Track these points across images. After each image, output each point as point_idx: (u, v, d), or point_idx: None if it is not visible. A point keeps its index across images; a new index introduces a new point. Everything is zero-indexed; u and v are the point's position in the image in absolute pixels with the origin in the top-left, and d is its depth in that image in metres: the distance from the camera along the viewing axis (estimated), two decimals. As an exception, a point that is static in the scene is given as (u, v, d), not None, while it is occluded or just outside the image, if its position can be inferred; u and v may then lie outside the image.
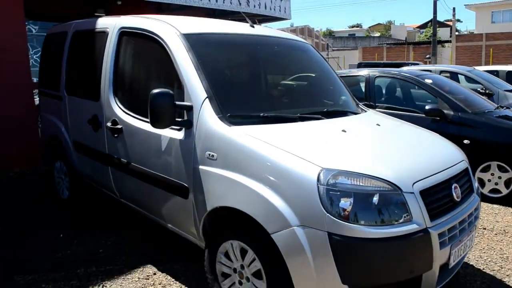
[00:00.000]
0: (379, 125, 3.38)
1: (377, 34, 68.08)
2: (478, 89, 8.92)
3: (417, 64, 20.12)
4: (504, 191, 5.49)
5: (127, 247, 4.00)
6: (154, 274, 3.50)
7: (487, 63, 35.15)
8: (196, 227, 3.03)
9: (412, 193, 2.49)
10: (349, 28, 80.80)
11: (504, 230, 4.66)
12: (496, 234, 4.56)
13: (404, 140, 3.23)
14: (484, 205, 5.42)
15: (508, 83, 10.42)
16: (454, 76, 10.24)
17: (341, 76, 7.26)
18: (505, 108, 6.50)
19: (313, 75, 4.10)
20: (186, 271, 3.54)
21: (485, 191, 5.60)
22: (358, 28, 76.96)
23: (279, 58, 3.82)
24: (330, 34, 71.65)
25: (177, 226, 3.31)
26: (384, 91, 6.82)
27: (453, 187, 2.79)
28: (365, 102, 6.41)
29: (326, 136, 2.91)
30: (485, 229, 4.70)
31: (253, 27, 3.84)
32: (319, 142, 2.76)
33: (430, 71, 9.74)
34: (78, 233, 4.32)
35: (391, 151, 2.86)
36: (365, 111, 3.94)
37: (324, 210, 2.35)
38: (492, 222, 4.88)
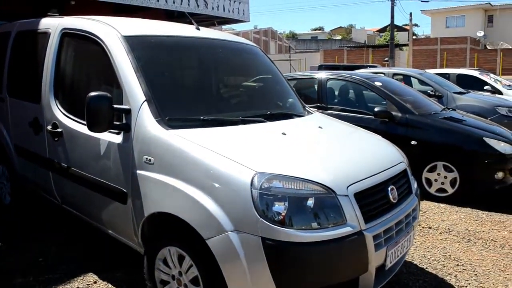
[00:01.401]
0: (321, 127, 3.39)
1: (339, 37, 69.25)
2: (429, 91, 9.15)
3: (375, 66, 20.50)
4: (450, 190, 5.63)
5: (69, 255, 3.84)
6: (95, 282, 3.36)
7: (442, 66, 36.32)
8: (135, 233, 2.94)
9: (347, 196, 2.48)
10: (312, 31, 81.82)
11: (448, 228, 4.76)
12: (440, 233, 4.65)
13: (343, 142, 3.24)
14: (430, 204, 5.54)
15: (458, 85, 10.75)
16: (406, 78, 10.47)
17: (295, 79, 7.37)
18: (451, 110, 6.68)
19: (260, 77, 4.07)
20: (128, 279, 3.42)
21: (432, 190, 5.72)
22: (320, 31, 78.03)
23: (224, 61, 3.77)
24: (293, 36, 72.37)
25: (117, 232, 3.20)
26: (336, 94, 6.89)
27: (389, 189, 2.80)
28: (318, 104, 6.45)
29: (264, 139, 2.88)
30: (430, 228, 4.79)
31: (198, 29, 3.77)
32: (256, 146, 2.73)
33: (383, 73, 9.93)
34: (18, 241, 4.12)
35: (328, 154, 2.85)
36: (311, 113, 3.94)
37: (257, 215, 2.31)
38: (438, 221, 4.98)
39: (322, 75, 6.81)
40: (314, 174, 2.49)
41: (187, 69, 3.52)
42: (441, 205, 5.54)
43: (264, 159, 2.54)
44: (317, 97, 6.63)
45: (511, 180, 5.71)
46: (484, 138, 5.52)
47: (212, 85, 3.57)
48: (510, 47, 41.00)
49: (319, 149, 2.93)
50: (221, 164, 2.47)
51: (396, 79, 10.06)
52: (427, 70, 12.37)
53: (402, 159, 3.27)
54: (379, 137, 3.66)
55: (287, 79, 7.09)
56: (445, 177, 5.63)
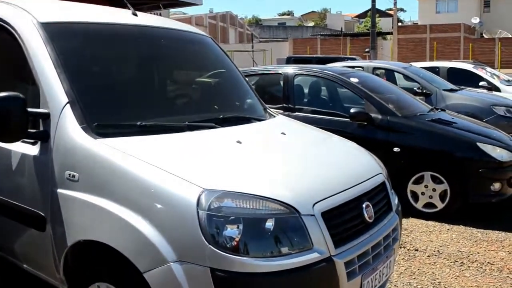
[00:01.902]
0: (284, 133, 3.44)
1: (311, 24, 70.34)
2: (415, 88, 9.42)
3: (354, 59, 20.96)
4: (439, 205, 5.81)
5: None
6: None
7: (431, 58, 37.44)
8: (57, 267, 2.89)
9: (313, 215, 2.52)
10: (279, 16, 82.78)
11: (438, 250, 4.91)
12: (429, 256, 4.79)
13: (310, 152, 3.30)
14: (417, 222, 5.70)
15: (450, 81, 11.11)
16: (389, 74, 10.76)
17: (257, 74, 7.44)
18: (440, 110, 6.90)
19: (211, 74, 4.09)
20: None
21: (419, 205, 5.89)
22: (289, 17, 79.05)
23: (166, 54, 3.78)
24: (256, 22, 73.01)
25: (34, 266, 3.14)
26: (305, 92, 7.00)
27: (364, 206, 2.87)
28: (283, 105, 6.54)
29: (215, 149, 2.90)
30: (417, 250, 4.92)
31: (135, 15, 3.76)
32: (205, 157, 2.74)
33: (361, 68, 10.16)
34: None
35: (291, 166, 2.90)
36: (274, 117, 3.99)
37: (205, 241, 2.32)
38: (426, 242, 5.13)
39: (288, 70, 6.91)
40: (274, 191, 2.51)
41: (121, 64, 3.50)
42: (430, 222, 5.70)
43: (213, 174, 2.55)
44: (282, 97, 6.72)
45: (510, 192, 5.94)
46: (478, 143, 5.74)
47: (151, 83, 3.56)
48: (510, 36, 42.79)
49: (281, 160, 2.97)
50: (161, 180, 2.46)
51: (377, 74, 10.33)
52: (413, 63, 12.75)
53: (379, 170, 3.35)
54: (354, 144, 3.74)
55: (246, 75, 7.22)
56: (434, 189, 5.81)
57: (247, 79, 7.40)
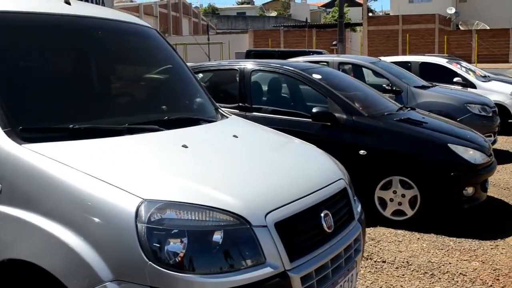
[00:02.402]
0: (236, 136, 3.46)
1: (273, 14, 70.74)
2: (384, 85, 9.60)
3: (320, 52, 21.21)
4: (409, 213, 5.93)
5: None
6: None
7: (404, 52, 38.20)
8: (-23, 291, 2.82)
9: (265, 226, 2.55)
10: (238, 5, 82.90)
11: (407, 261, 5.01)
12: (397, 267, 4.89)
13: (264, 156, 3.33)
14: (385, 231, 5.80)
15: (422, 77, 11.37)
16: (357, 69, 10.94)
17: (210, 70, 7.45)
18: (409, 109, 7.05)
19: (156, 70, 4.09)
20: None
21: (387, 213, 6.00)
22: (249, 6, 79.28)
23: (105, 48, 3.75)
24: (213, 12, 72.92)
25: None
26: (264, 90, 7.04)
27: (323, 215, 2.91)
28: (239, 104, 6.56)
29: (158, 154, 2.90)
30: (384, 262, 5.02)
31: (68, 3, 3.71)
32: (145, 164, 2.74)
33: (326, 63, 10.29)
34: None
35: (242, 172, 2.92)
36: (226, 117, 4.02)
37: (145, 257, 2.31)
38: (394, 253, 5.23)
39: (245, 65, 6.94)
40: (222, 200, 2.53)
41: (51, 59, 3.44)
42: (399, 231, 5.82)
43: (154, 182, 2.55)
44: (238, 95, 6.74)
45: (483, 197, 6.12)
46: (449, 144, 5.89)
47: (87, 81, 3.53)
48: (488, 28, 44.05)
49: (231, 166, 2.99)
50: (95, 190, 2.45)
51: (344, 70, 10.48)
52: (384, 58, 12.99)
53: (340, 175, 3.41)
54: (313, 147, 3.80)
55: (198, 71, 7.25)
56: (403, 195, 5.93)
57: (199, 75, 7.43)
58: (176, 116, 3.58)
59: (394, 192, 5.95)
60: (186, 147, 3.02)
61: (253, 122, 4.24)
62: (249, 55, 22.19)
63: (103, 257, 2.35)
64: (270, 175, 2.99)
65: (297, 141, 3.88)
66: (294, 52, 21.84)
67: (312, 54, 18.63)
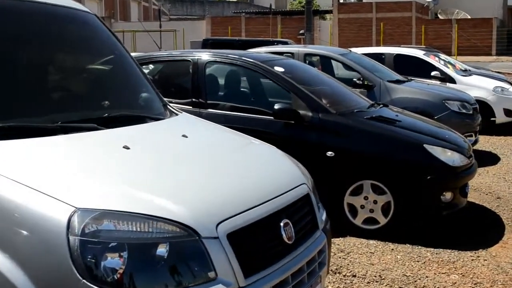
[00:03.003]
0: (186, 136, 3.45)
1: (234, -1, 70.60)
2: (355, 79, 9.70)
3: (286, 42, 21.28)
4: (382, 221, 5.98)
5: None
6: None
7: (378, 42, 38.67)
8: None
9: (216, 238, 2.54)
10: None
11: (379, 275, 5.06)
12: (368, 282, 4.93)
13: (217, 158, 3.33)
14: (356, 242, 5.84)
15: (397, 70, 11.51)
16: (325, 61, 11.01)
17: (158, 61, 7.40)
18: (381, 106, 7.13)
19: (97, 61, 4.04)
20: None
21: (358, 221, 6.04)
22: (207, -11, 79.04)
23: (37, 35, 3.68)
24: (166, -4, 72.38)
25: None
26: (221, 84, 7.03)
27: (282, 224, 2.92)
28: (193, 100, 6.54)
29: (95, 157, 2.87)
30: (355, 276, 5.05)
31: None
32: (80, 168, 2.71)
33: (291, 54, 10.33)
34: None
35: (191, 177, 2.91)
36: (176, 115, 4.00)
37: (78, 275, 2.28)
38: (366, 266, 5.27)
39: (199, 56, 6.91)
40: (167, 208, 2.51)
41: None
42: (371, 242, 5.86)
43: (90, 189, 2.52)
44: (191, 90, 6.71)
45: (463, 203, 6.23)
46: (425, 145, 5.97)
47: (13, 73, 3.44)
48: (469, 17, 44.94)
49: (178, 169, 2.98)
50: (21, 198, 2.40)
51: (310, 63, 10.54)
52: (355, 49, 13.11)
53: (303, 179, 3.42)
54: (273, 149, 3.81)
55: (146, 63, 7.19)
56: (375, 201, 5.98)
57: (149, 67, 7.36)
58: (117, 114, 3.56)
59: (365, 198, 6.00)
60: (128, 148, 2.99)
61: (206, 120, 4.23)
62: (206, 44, 22.12)
63: (29, 275, 2.31)
64: (223, 180, 2.99)
65: (255, 141, 3.88)
66: (257, 41, 21.83)
67: (277, 44, 18.68)
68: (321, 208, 3.61)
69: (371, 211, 6.00)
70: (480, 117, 10.60)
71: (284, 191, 3.11)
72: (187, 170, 3.02)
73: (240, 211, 2.73)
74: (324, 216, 3.56)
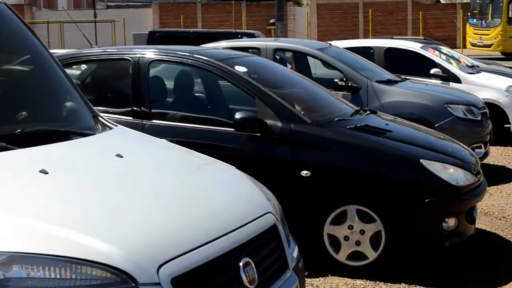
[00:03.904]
0: (121, 156, 3.43)
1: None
2: (337, 80, 9.72)
3: (252, 35, 21.34)
4: (371, 255, 5.98)
5: None
6: None
7: (366, 34, 39.00)
8: None
9: (158, 284, 2.54)
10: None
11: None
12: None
13: (157, 184, 3.32)
14: (339, 282, 5.86)
15: (388, 68, 11.57)
16: (300, 58, 11.05)
17: (92, 61, 7.34)
18: (368, 112, 7.16)
19: (5, 62, 4.02)
20: None
21: (341, 257, 6.03)
22: (153, -31, 79.11)
23: None
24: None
25: None
26: (168, 88, 7.01)
27: (242, 264, 2.91)
28: (133, 109, 6.49)
29: (4, 184, 2.84)
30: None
31: None
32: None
33: (257, 49, 10.34)
34: None
35: (126, 209, 2.90)
36: (109, 129, 3.99)
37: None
38: (352, 312, 5.29)
39: (141, 54, 6.87)
40: (96, 249, 2.50)
41: None
42: (358, 282, 5.88)
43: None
44: (132, 96, 6.67)
45: (470, 231, 6.26)
46: (421, 160, 6.00)
47: None
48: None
49: (111, 199, 2.97)
50: None
51: (281, 60, 10.56)
52: (336, 42, 13.17)
53: (269, 208, 3.43)
54: (232, 170, 3.81)
55: (71, 63, 7.12)
56: (362, 231, 5.98)
57: (80, 67, 7.29)
58: (33, 129, 3.53)
59: (350, 227, 5.99)
60: (46, 173, 2.97)
61: (148, 136, 4.19)
62: (153, 38, 22.11)
63: None
64: (167, 211, 2.98)
65: (209, 161, 3.88)
66: (217, 34, 21.89)
67: (241, 37, 18.73)
68: (292, 243, 3.61)
69: (358, 243, 5.99)
70: (491, 124, 10.69)
71: (244, 222, 3.11)
72: (121, 199, 3.01)
73: (188, 249, 2.72)
74: (295, 253, 3.56)
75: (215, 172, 3.73)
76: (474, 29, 35.85)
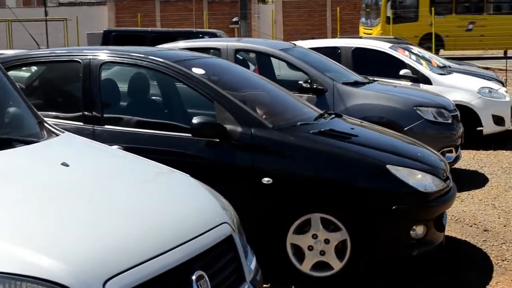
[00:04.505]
0: (66, 165, 3.42)
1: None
2: (301, 82, 9.75)
3: (214, 34, 21.36)
4: (337, 265, 5.99)
5: None
6: None
7: (334, 32, 39.10)
8: None
9: None
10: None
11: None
12: None
13: (105, 194, 3.31)
14: (303, 295, 5.89)
15: (356, 69, 11.64)
16: (263, 59, 11.08)
17: (39, 62, 7.28)
18: (333, 116, 7.19)
19: None
20: None
21: (306, 267, 6.04)
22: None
23: None
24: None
25: None
26: (122, 92, 6.98)
27: (194, 278, 2.92)
28: (84, 114, 6.45)
29: None
30: None
31: None
32: None
33: (217, 50, 10.35)
34: None
35: (70, 220, 2.89)
36: (56, 136, 3.98)
37: None
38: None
39: (92, 55, 6.82)
40: (36, 264, 2.48)
41: None
42: (323, 294, 5.92)
43: None
44: (82, 100, 6.63)
45: (439, 239, 6.31)
46: (388, 166, 6.04)
47: None
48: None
49: (55, 210, 2.95)
50: None
51: (242, 61, 10.58)
52: (301, 42, 13.21)
53: (225, 217, 3.45)
54: (186, 178, 3.82)
55: (16, 65, 7.04)
56: (327, 241, 5.99)
57: (29, 69, 7.23)
58: None
59: (314, 236, 6.00)
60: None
61: (97, 143, 4.18)
62: (108, 37, 21.98)
63: None
64: (114, 223, 2.98)
65: (162, 169, 3.88)
66: (176, 33, 21.83)
67: (203, 37, 18.74)
68: (250, 254, 3.62)
69: (322, 253, 6.00)
70: (462, 127, 10.79)
71: (198, 233, 3.12)
72: (66, 211, 2.99)
73: (136, 263, 2.72)
74: (253, 264, 3.57)
75: (168, 181, 3.74)
76: (364, 28, 36.85)
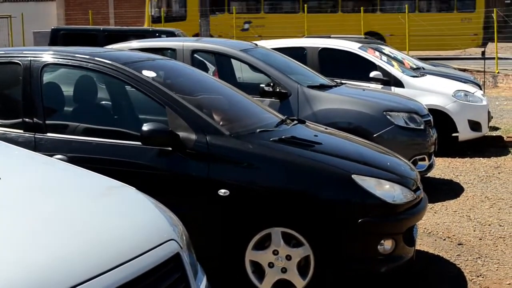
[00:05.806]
0: (-1, 179, 3.38)
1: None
2: (263, 85, 9.74)
3: (172, 33, 21.35)
4: (299, 283, 5.98)
5: None
6: None
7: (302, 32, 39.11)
8: None
9: None
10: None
11: None
12: None
13: (36, 211, 3.27)
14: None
15: (323, 71, 11.68)
16: (222, 60, 11.06)
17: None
18: (295, 122, 7.20)
19: None
20: None
21: (266, 286, 6.02)
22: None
23: None
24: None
25: None
26: (67, 96, 6.93)
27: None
28: (24, 120, 6.40)
29: None
30: None
31: None
32: None
33: (172, 50, 10.33)
34: None
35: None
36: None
37: None
38: None
39: (33, 56, 6.77)
40: None
41: None
42: (284, 315, 5.90)
43: None
44: (22, 106, 6.56)
45: (409, 254, 6.34)
46: (353, 176, 6.05)
47: None
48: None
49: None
50: None
51: (199, 63, 10.56)
52: (263, 43, 13.22)
53: (171, 234, 3.42)
54: (129, 191, 3.81)
55: None
56: (289, 257, 5.99)
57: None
58: None
59: (275, 252, 6.00)
60: None
61: (33, 153, 4.14)
62: (56, 36, 21.89)
63: None
64: (46, 243, 2.94)
65: (104, 182, 3.86)
66: (131, 32, 21.80)
67: (159, 36, 18.70)
68: (200, 272, 3.61)
69: (284, 270, 6.00)
70: (436, 133, 10.87)
71: (141, 252, 3.08)
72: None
73: (70, 286, 2.68)
74: (203, 284, 3.56)
75: (111, 195, 3.70)
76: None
